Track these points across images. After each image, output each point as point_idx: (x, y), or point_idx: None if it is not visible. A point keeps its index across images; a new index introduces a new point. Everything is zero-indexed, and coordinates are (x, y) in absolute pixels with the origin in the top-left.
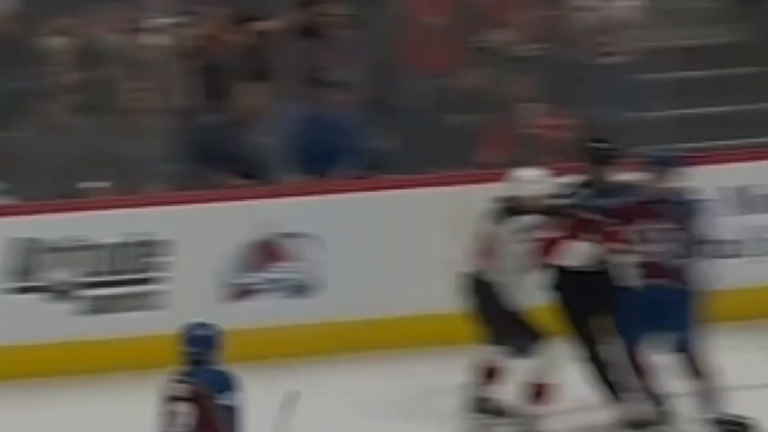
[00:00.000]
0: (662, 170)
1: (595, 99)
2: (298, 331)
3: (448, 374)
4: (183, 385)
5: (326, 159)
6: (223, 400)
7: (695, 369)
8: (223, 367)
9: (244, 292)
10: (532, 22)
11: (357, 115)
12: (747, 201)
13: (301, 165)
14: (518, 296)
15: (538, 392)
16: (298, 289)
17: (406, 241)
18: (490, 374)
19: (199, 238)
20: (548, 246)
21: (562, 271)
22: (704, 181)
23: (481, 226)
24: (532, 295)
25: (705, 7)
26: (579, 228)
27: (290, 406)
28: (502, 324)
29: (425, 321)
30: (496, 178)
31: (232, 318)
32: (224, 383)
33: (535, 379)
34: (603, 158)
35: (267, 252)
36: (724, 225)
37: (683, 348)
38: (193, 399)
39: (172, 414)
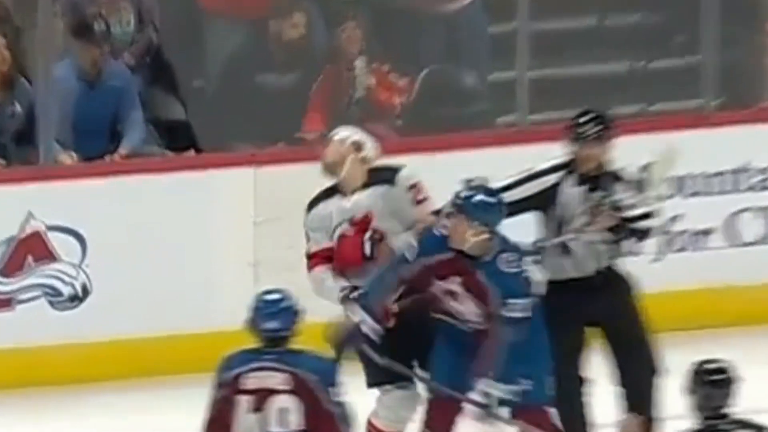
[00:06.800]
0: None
1: (432, 55)
2: (72, 351)
3: None
4: (279, 374)
5: (102, 133)
6: (335, 396)
7: None
8: (318, 351)
9: None
10: None
11: (142, 76)
12: None
13: (69, 140)
14: None
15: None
16: (67, 298)
17: (205, 233)
18: None
19: None
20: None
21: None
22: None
23: None
24: None
25: None
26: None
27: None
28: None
29: (228, 337)
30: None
31: None
32: (331, 373)
33: None
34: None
35: (27, 251)
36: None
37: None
38: (297, 391)
39: (269, 412)
